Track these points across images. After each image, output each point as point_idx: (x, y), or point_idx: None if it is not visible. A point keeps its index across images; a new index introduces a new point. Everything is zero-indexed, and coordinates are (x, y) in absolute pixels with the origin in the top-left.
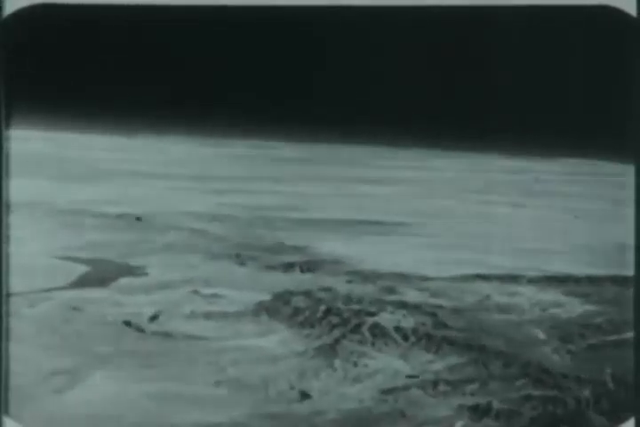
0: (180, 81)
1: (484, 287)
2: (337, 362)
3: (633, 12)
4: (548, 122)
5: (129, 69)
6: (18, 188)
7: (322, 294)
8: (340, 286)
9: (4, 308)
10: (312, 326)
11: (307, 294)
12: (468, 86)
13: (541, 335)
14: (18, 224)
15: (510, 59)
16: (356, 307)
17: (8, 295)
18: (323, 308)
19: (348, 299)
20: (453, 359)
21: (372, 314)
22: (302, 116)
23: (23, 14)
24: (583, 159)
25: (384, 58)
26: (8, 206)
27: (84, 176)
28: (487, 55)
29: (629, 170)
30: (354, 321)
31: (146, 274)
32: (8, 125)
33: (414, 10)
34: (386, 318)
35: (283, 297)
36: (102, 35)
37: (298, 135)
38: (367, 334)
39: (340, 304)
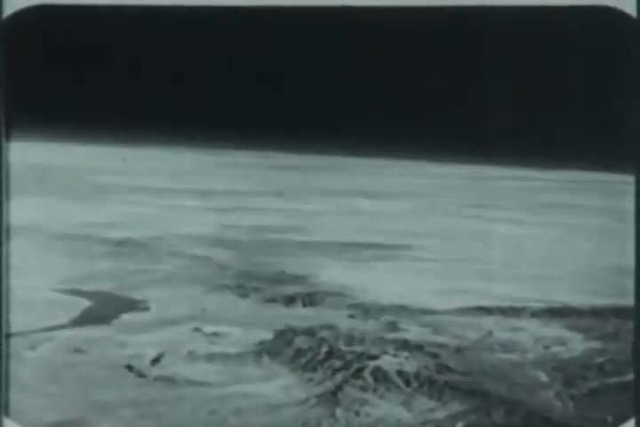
0: (182, 87)
1: (487, 322)
2: (339, 411)
3: (633, 12)
4: (546, 129)
5: (130, 74)
6: (14, 208)
7: (324, 333)
8: (342, 321)
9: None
10: (314, 370)
11: (309, 332)
12: (463, 90)
13: (544, 378)
14: (14, 251)
15: (508, 60)
16: (358, 349)
17: (8, 336)
18: (324, 349)
19: (350, 338)
20: (455, 406)
21: (374, 357)
22: (300, 125)
23: (21, 16)
24: (581, 170)
25: (382, 65)
26: (9, 230)
27: (82, 193)
28: (484, 57)
29: (629, 181)
30: (355, 365)
31: (147, 309)
32: (8, 137)
33: (408, 12)
34: (388, 362)
35: (284, 336)
36: (104, 37)
37: (297, 145)
38: (369, 379)
39: (341, 345)
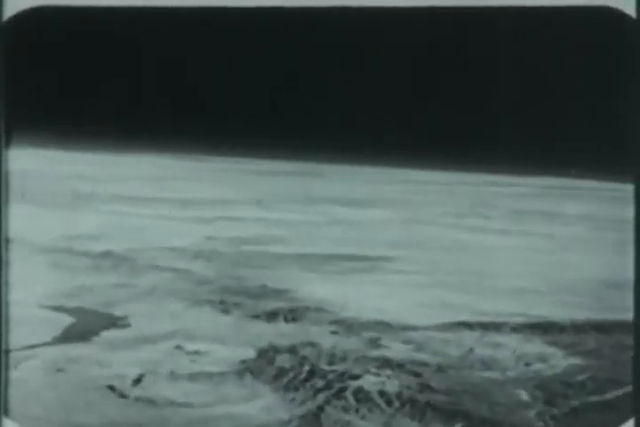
0: (179, 92)
1: (468, 338)
2: None
3: (633, 12)
4: (544, 134)
5: (130, 76)
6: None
7: (306, 351)
8: (324, 338)
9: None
10: (296, 390)
11: (291, 350)
12: (453, 93)
13: (525, 397)
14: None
15: (505, 61)
16: (340, 368)
17: (7, 351)
18: (306, 368)
19: (332, 356)
20: None
21: (356, 377)
22: (289, 131)
23: (22, 19)
24: (577, 177)
25: (375, 68)
26: (7, 241)
27: (62, 202)
28: (483, 58)
29: (628, 189)
30: (337, 385)
31: (129, 325)
32: (8, 144)
33: (409, 13)
34: (370, 382)
35: (267, 354)
36: (106, 41)
37: (284, 151)
38: (351, 399)
39: (323, 364)
